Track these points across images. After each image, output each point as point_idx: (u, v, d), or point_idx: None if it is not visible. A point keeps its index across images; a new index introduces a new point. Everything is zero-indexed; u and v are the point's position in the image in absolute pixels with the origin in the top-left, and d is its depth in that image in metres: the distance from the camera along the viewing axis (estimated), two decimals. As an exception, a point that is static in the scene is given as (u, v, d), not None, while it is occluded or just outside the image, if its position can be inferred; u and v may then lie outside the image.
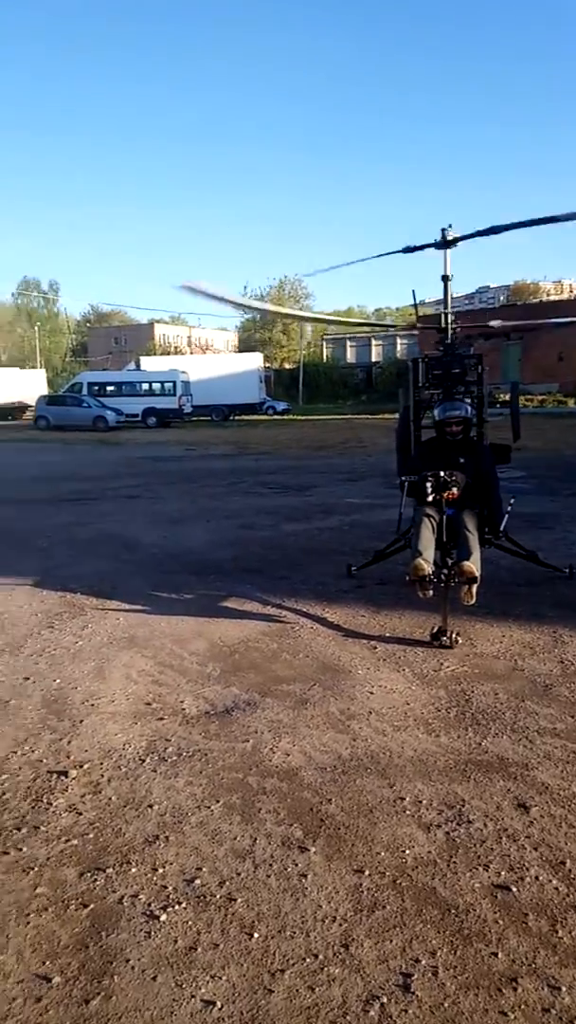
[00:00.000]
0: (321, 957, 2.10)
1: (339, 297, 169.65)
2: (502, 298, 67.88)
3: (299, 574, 6.33)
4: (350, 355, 58.45)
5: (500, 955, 2.09)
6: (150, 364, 41.74)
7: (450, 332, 5.70)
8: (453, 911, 2.27)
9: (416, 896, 2.34)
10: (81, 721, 3.66)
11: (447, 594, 4.62)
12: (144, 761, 3.26)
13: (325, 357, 58.04)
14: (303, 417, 37.93)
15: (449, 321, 5.71)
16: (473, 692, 3.88)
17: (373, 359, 54.76)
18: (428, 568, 4.53)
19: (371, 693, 3.91)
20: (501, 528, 5.26)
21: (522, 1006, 1.92)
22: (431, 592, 4.61)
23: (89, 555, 7.29)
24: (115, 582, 6.23)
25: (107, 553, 7.37)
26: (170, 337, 74.41)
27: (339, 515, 9.06)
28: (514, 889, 2.36)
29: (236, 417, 38.19)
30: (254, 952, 2.13)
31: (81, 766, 3.22)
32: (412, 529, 4.91)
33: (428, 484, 4.73)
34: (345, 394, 50.19)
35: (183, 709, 3.79)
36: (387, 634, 4.81)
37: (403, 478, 5.43)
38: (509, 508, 5.48)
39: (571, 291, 61.78)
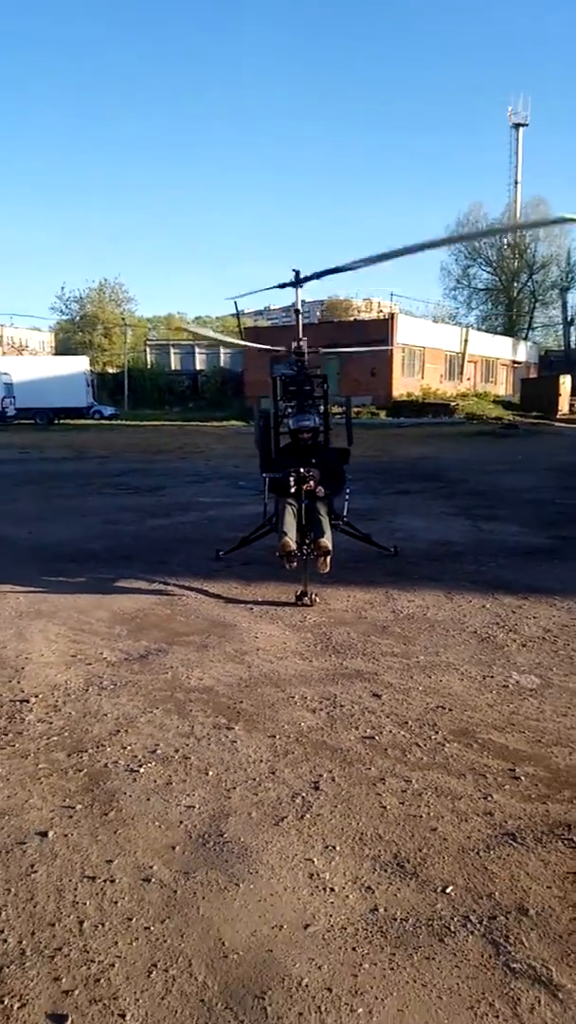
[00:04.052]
0: (257, 779, 3.15)
1: (161, 304, 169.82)
2: (317, 313, 71.41)
3: (173, 558, 7.26)
4: (174, 362, 59.12)
5: (372, 769, 3.25)
6: (-32, 365, 40.18)
7: (304, 354, 6.90)
8: (339, 751, 3.40)
9: (313, 745, 3.45)
10: (22, 668, 4.43)
11: (306, 566, 5.81)
12: (88, 690, 4.12)
13: (149, 363, 58.23)
14: (132, 422, 38.21)
15: (303, 347, 6.89)
16: (332, 633, 5.07)
17: (198, 367, 55.86)
18: (293, 544, 5.69)
19: (256, 638, 4.98)
20: (344, 514, 6.53)
21: (389, 790, 3.08)
22: (295, 564, 5.77)
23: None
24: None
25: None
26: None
27: (196, 512, 10.03)
28: (376, 737, 3.54)
29: (61, 421, 37.74)
30: (211, 781, 3.13)
31: (37, 695, 4.02)
32: (276, 516, 6.04)
33: (291, 478, 5.89)
34: (171, 400, 50.74)
35: (105, 657, 4.65)
36: (259, 599, 5.90)
37: (265, 475, 6.57)
38: (347, 499, 6.76)
39: (379, 309, 66.43)
